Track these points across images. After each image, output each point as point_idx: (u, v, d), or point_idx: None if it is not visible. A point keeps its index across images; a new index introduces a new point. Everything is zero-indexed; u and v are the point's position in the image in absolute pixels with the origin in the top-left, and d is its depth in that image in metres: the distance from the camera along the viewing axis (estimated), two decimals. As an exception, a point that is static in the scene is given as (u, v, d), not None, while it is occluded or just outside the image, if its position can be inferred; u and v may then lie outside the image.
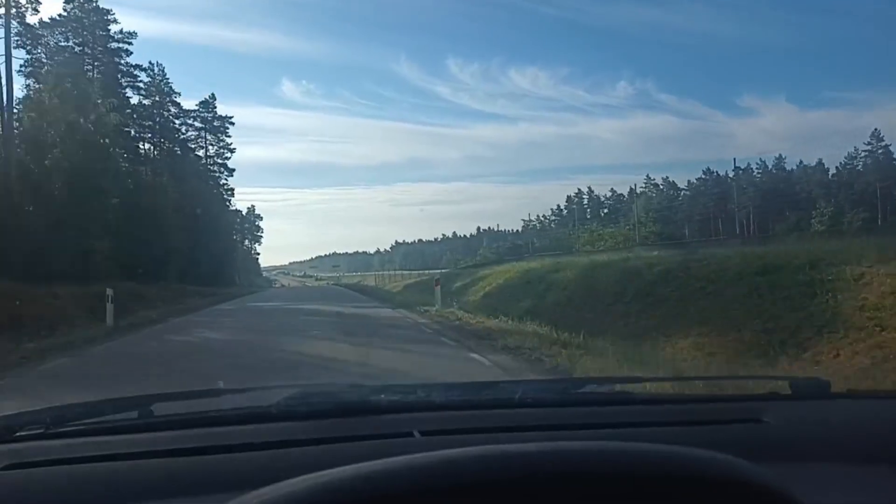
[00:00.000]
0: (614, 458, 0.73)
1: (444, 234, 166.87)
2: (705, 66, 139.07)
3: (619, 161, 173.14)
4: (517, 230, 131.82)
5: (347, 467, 0.67)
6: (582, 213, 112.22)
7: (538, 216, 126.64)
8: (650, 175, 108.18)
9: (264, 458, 1.22)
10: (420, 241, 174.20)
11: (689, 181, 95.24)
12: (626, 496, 0.70)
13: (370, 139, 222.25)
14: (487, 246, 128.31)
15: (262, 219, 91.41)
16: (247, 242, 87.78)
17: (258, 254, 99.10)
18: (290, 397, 1.51)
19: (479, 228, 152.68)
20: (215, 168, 57.87)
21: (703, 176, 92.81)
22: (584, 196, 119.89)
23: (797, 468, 1.20)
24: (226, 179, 60.50)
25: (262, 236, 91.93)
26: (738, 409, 1.56)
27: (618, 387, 2.12)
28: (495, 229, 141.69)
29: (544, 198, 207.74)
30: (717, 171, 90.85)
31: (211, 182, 57.37)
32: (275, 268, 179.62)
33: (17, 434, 1.29)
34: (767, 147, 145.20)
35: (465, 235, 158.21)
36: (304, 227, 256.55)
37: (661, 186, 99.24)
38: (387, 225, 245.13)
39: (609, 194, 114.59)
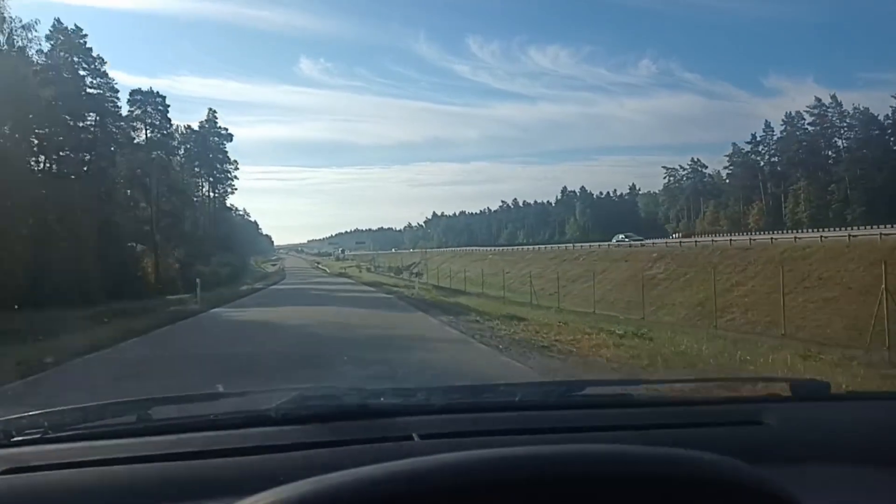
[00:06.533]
0: (616, 461, 0.74)
1: (503, 202, 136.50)
2: (730, 44, 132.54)
3: (641, 142, 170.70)
4: (607, 194, 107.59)
5: (351, 471, 0.67)
6: (793, 138, 68.54)
7: (693, 159, 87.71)
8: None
9: (263, 462, 1.21)
10: (463, 212, 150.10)
11: None
12: (627, 498, 0.70)
13: (389, 118, 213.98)
14: (581, 213, 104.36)
15: (230, 139, 55.84)
16: (206, 188, 52.34)
17: (230, 205, 63.45)
18: (289, 401, 1.49)
19: (564, 189, 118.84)
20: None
21: None
22: (819, 110, 68.81)
23: (797, 470, 1.20)
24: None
25: (236, 175, 57.69)
26: (737, 411, 1.56)
27: (618, 389, 2.13)
28: (588, 192, 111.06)
29: (566, 178, 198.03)
30: None
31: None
32: (292, 246, 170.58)
33: (15, 439, 1.28)
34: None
35: (543, 202, 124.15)
36: (323, 205, 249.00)
37: None
38: (407, 204, 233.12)
39: (859, 107, 67.94)
